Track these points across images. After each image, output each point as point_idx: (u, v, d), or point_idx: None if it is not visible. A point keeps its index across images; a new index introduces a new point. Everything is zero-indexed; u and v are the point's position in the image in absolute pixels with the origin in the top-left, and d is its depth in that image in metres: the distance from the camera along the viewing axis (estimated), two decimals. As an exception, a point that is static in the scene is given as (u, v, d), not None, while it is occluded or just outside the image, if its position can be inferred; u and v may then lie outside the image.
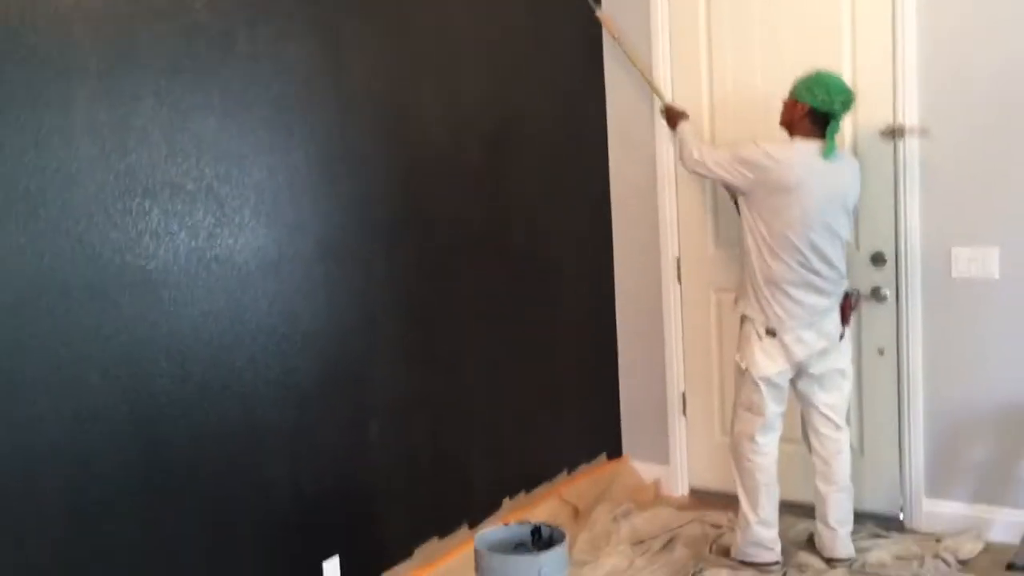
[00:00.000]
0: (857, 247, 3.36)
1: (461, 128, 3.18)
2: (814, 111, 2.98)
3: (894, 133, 3.28)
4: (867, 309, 3.36)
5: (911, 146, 3.26)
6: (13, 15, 1.93)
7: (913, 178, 3.27)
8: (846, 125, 3.33)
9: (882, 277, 3.34)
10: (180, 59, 2.26)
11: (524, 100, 3.49)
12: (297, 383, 2.59)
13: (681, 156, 3.29)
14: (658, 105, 3.61)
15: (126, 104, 2.14)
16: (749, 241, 3.08)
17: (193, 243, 2.30)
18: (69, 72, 2.03)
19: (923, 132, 3.23)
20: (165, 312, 2.24)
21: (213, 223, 2.35)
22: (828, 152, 2.96)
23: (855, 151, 3.34)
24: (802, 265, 2.97)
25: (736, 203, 3.17)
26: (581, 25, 3.81)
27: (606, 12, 3.78)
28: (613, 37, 3.75)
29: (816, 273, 2.99)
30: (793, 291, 2.99)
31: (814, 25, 3.41)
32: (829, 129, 2.97)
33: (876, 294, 3.35)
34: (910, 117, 3.25)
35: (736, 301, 3.22)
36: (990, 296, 3.19)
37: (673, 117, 3.46)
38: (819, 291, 3.01)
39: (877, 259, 3.34)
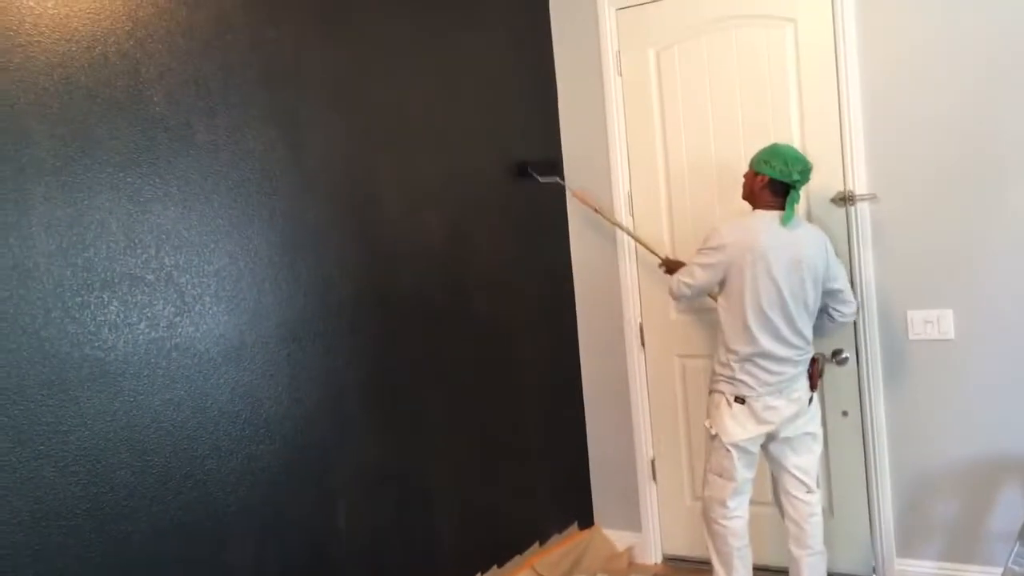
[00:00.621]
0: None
1: (421, 205, 3.22)
2: (773, 181, 3.05)
3: (845, 199, 3.35)
4: (829, 372, 3.41)
5: (862, 211, 3.34)
6: (-31, 116, 1.95)
7: (866, 243, 3.34)
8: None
9: (842, 340, 3.39)
10: (139, 152, 2.28)
11: (483, 174, 3.54)
12: (262, 468, 2.58)
13: (670, 293, 3.32)
14: (656, 263, 3.64)
15: (84, 198, 2.16)
16: (721, 314, 3.12)
17: (153, 333, 2.30)
18: (25, 169, 2.05)
19: (872, 198, 3.31)
20: (125, 403, 2.22)
21: (173, 312, 2.35)
22: (787, 219, 3.02)
23: (809, 217, 3.42)
24: (771, 334, 3.01)
25: (715, 299, 3.22)
26: (540, 98, 3.89)
27: (579, 188, 3.89)
28: (593, 209, 3.81)
29: (784, 342, 3.03)
30: (762, 360, 3.03)
31: (763, 99, 3.51)
32: (789, 198, 3.04)
33: (837, 356, 3.39)
34: (860, 183, 3.33)
35: (710, 377, 3.24)
36: (947, 356, 3.25)
37: (673, 269, 3.45)
38: (787, 360, 3.04)
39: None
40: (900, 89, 3.24)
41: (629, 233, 3.79)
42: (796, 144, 3.40)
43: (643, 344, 3.90)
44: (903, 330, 3.32)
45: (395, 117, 3.13)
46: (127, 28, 2.27)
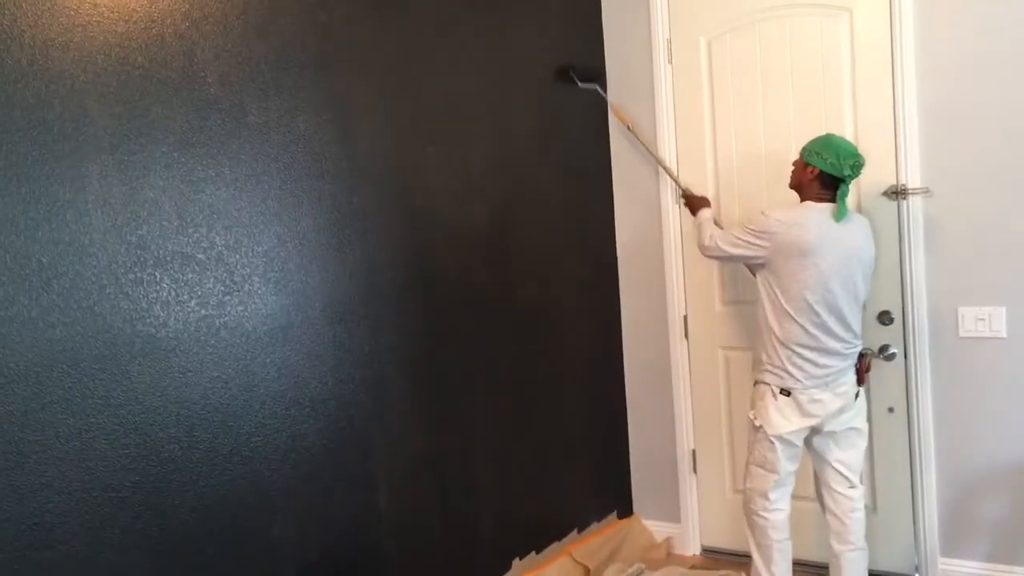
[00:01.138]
0: (864, 306, 3.36)
1: (468, 193, 3.23)
2: (824, 174, 3.01)
3: (897, 193, 3.30)
4: (876, 368, 3.36)
5: (915, 205, 3.28)
6: (30, 93, 1.99)
7: (918, 238, 3.29)
8: (852, 185, 3.37)
9: (890, 336, 3.34)
10: (192, 132, 2.32)
11: (530, 163, 3.54)
12: (306, 448, 2.61)
13: (698, 240, 3.34)
14: (677, 192, 3.63)
15: (138, 177, 2.19)
16: (766, 304, 3.09)
17: (203, 311, 2.33)
18: (83, 147, 2.08)
19: (925, 192, 3.25)
20: (174, 380, 2.26)
21: (223, 291, 2.38)
22: (840, 215, 2.98)
23: (859, 210, 3.37)
24: (819, 327, 2.98)
25: (753, 272, 3.20)
26: (587, 91, 3.87)
27: (616, 102, 3.86)
28: (627, 126, 3.81)
29: (833, 335, 2.99)
30: (809, 353, 3.00)
31: (815, 90, 3.46)
32: (840, 192, 3.00)
33: (884, 352, 3.34)
34: (913, 177, 3.27)
35: (753, 367, 3.22)
36: (998, 354, 3.19)
37: (694, 204, 3.50)
38: (835, 353, 3.01)
39: (884, 318, 3.35)
40: (957, 82, 3.18)
41: (657, 160, 3.78)
42: (848, 135, 3.36)
43: (687, 335, 3.88)
44: (953, 327, 3.26)
45: (445, 103, 3.14)
46: (183, 9, 2.30)
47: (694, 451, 3.91)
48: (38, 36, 2.01)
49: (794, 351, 3.01)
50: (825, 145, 3.02)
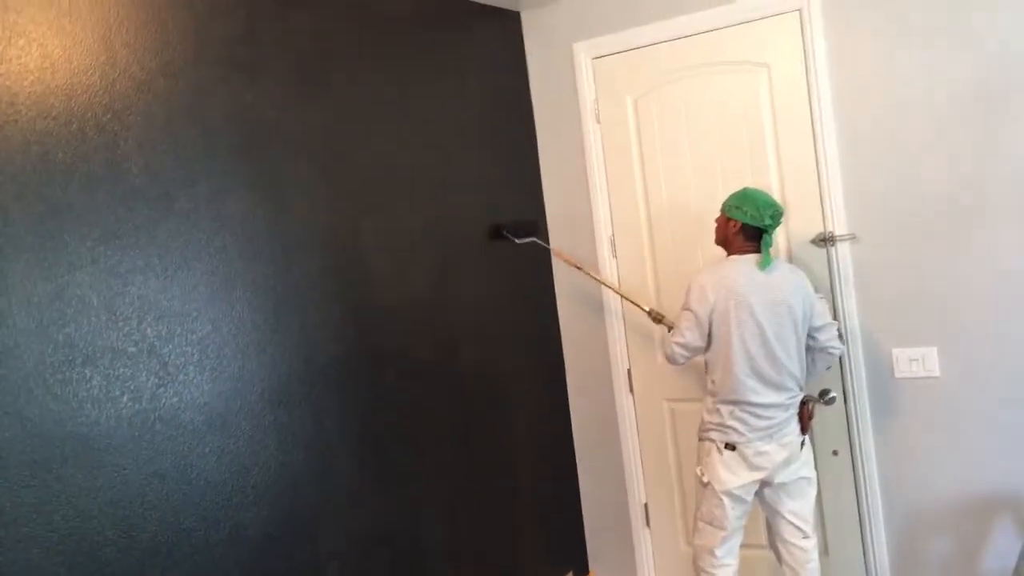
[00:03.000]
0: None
1: (405, 261, 3.22)
2: (746, 226, 3.06)
3: (825, 240, 3.37)
4: (818, 411, 3.39)
5: (843, 252, 3.36)
6: (-53, 199, 1.95)
7: (848, 283, 3.36)
8: (780, 234, 3.44)
9: (829, 380, 3.39)
10: (118, 224, 2.28)
11: (467, 228, 3.55)
12: (250, 537, 2.55)
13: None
14: (648, 316, 3.58)
15: (63, 274, 2.15)
16: (707, 361, 3.12)
17: (136, 406, 2.28)
18: (3, 248, 2.04)
19: (852, 238, 3.33)
20: (109, 480, 2.20)
21: (156, 384, 2.33)
22: (764, 264, 3.03)
23: (790, 258, 3.44)
24: (757, 378, 3.01)
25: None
26: (520, 148, 3.91)
27: (556, 246, 3.92)
28: (576, 267, 3.78)
29: (773, 385, 3.02)
30: (751, 406, 3.02)
31: (740, 142, 3.54)
32: (763, 242, 3.05)
33: (824, 396, 3.38)
34: (839, 224, 3.35)
35: (699, 429, 3.23)
36: (934, 394, 3.26)
37: (660, 318, 3.47)
38: (776, 404, 3.03)
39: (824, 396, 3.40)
40: (876, 130, 3.27)
41: (613, 288, 3.81)
42: (774, 186, 3.44)
43: (631, 389, 3.89)
44: (889, 369, 3.33)
45: (377, 175, 3.14)
46: (104, 102, 2.28)
47: (646, 504, 3.91)
48: (-47, 139, 1.97)
49: (735, 405, 3.03)
50: (743, 198, 3.08)
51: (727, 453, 3.06)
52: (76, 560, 2.11)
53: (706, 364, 3.13)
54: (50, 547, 2.06)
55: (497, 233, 3.68)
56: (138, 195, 2.34)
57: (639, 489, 3.91)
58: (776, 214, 3.06)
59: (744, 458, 3.04)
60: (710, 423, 3.10)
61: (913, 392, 3.29)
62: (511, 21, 3.97)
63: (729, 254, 3.14)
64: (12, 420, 2.02)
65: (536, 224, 3.95)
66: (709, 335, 3.08)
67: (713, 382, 3.09)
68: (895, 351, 3.30)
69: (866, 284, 3.34)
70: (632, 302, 3.67)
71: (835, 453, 3.45)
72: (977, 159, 3.12)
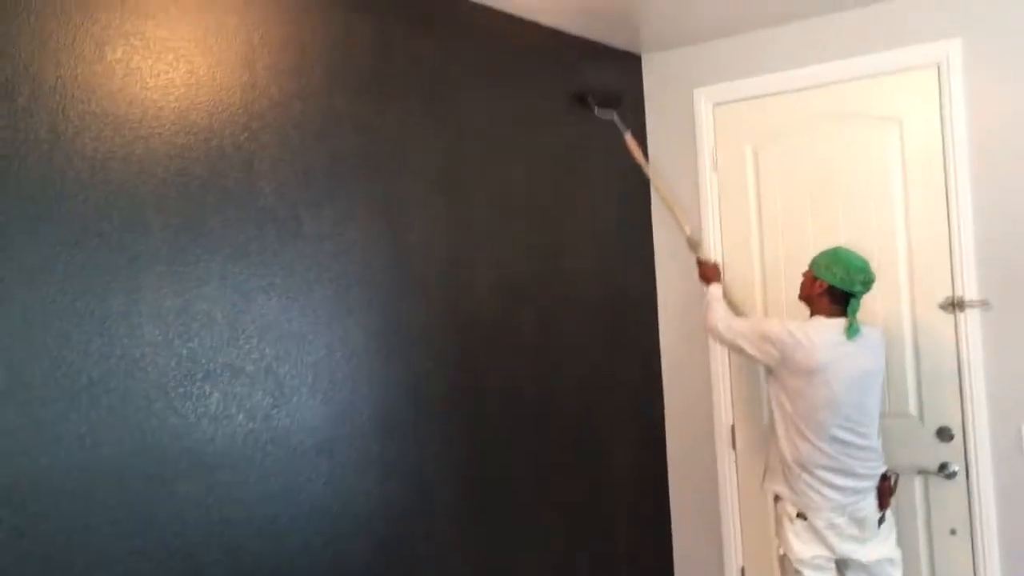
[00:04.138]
0: (922, 421, 3.26)
1: (514, 298, 3.17)
2: (833, 289, 2.93)
3: (954, 305, 3.22)
4: (936, 487, 3.24)
5: (972, 318, 3.19)
6: (91, 205, 1.97)
7: (976, 351, 3.18)
8: (905, 296, 3.30)
9: (949, 453, 3.21)
10: (248, 242, 2.29)
11: (577, 270, 3.49)
12: (351, 566, 2.50)
13: (705, 320, 3.27)
14: (685, 239, 3.56)
15: (192, 288, 2.16)
16: (777, 417, 2.99)
17: (250, 425, 2.27)
18: (138, 259, 2.05)
19: (984, 304, 3.17)
20: (219, 498, 2.18)
21: (271, 404, 2.32)
22: (851, 332, 2.88)
23: (914, 323, 3.29)
24: (833, 448, 2.86)
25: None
26: (632, 191, 3.85)
27: (632, 139, 3.73)
28: (639, 163, 3.69)
29: (849, 456, 2.87)
30: (824, 474, 2.87)
31: (865, 197, 3.41)
32: (850, 308, 2.91)
33: (944, 470, 3.22)
34: (970, 289, 3.19)
35: (764, 477, 3.11)
36: (1067, 475, 3.06)
37: (706, 273, 3.44)
38: (853, 474, 2.88)
39: (943, 434, 3.22)
40: (1015, 191, 3.11)
41: (665, 201, 3.70)
42: (901, 244, 3.31)
43: (734, 445, 3.76)
44: (1017, 443, 3.13)
45: (494, 207, 3.12)
46: (243, 121, 2.30)
47: (743, 569, 3.75)
48: (100, 149, 2.00)
49: (809, 471, 2.89)
50: (835, 259, 2.95)
51: (798, 522, 2.92)
52: (183, 577, 2.09)
53: (776, 420, 3.00)
54: (160, 562, 2.04)
55: (581, 99, 3.53)
56: (268, 215, 2.35)
57: (736, 552, 3.76)
58: (867, 280, 2.92)
59: (815, 530, 2.89)
60: (784, 489, 2.97)
61: (1044, 472, 3.10)
62: (632, 63, 3.93)
63: (812, 314, 3.01)
64: (133, 432, 2.02)
65: (622, 97, 3.76)
66: (776, 379, 2.98)
67: (783, 444, 2.96)
68: (1025, 427, 3.12)
69: (996, 353, 3.16)
70: (679, 222, 3.62)
71: (953, 532, 3.25)
72: None
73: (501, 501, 3.05)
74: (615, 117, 3.65)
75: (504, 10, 3.19)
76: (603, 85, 3.62)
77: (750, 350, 3.05)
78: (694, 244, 3.44)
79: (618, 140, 3.65)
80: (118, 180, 2.02)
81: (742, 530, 3.75)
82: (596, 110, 3.56)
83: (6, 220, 1.84)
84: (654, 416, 3.91)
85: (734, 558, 3.76)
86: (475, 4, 3.07)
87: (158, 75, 2.12)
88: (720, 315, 3.22)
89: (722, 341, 3.22)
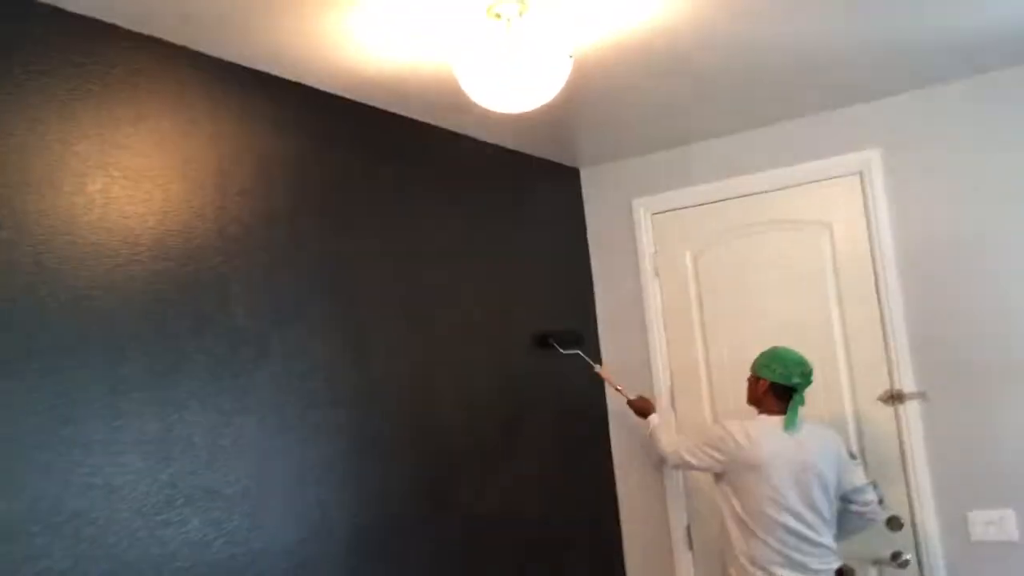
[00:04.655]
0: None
1: (475, 413, 3.22)
2: (776, 385, 3.06)
3: (893, 398, 3.37)
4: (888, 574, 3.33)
5: (912, 410, 3.34)
6: (74, 333, 1.97)
7: (918, 441, 3.33)
8: (845, 391, 3.45)
9: (901, 542, 3.32)
10: (223, 365, 2.30)
11: (532, 377, 3.56)
12: None
13: (658, 451, 3.38)
14: (624, 400, 3.68)
15: (172, 413, 2.15)
16: (728, 517, 3.07)
17: (230, 550, 2.23)
18: (117, 387, 2.05)
19: (922, 396, 3.33)
20: (199, 628, 2.14)
21: (248, 527, 2.30)
22: (788, 425, 3.00)
23: (857, 417, 3.43)
24: (782, 543, 2.93)
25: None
26: (580, 299, 3.97)
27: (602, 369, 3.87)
28: (616, 389, 3.76)
29: (800, 552, 2.93)
30: (777, 570, 2.93)
31: (801, 298, 3.59)
32: (792, 402, 3.04)
33: (897, 559, 3.31)
34: (907, 382, 3.36)
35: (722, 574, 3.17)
36: (1012, 558, 3.17)
37: (641, 407, 3.56)
38: (806, 569, 2.93)
39: (893, 523, 3.33)
40: (942, 285, 3.31)
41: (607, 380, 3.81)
42: (838, 341, 3.48)
43: (691, 545, 3.81)
44: (964, 531, 3.25)
45: (453, 321, 3.18)
46: (216, 244, 2.34)
47: (706, 670, 3.75)
48: (82, 278, 2.01)
49: (762, 568, 2.96)
50: (773, 357, 3.10)
51: None
52: None
53: (729, 521, 3.07)
54: None
55: (543, 342, 3.64)
56: (240, 336, 2.37)
57: (698, 653, 3.77)
58: (805, 372, 3.05)
59: None
60: None
61: (991, 556, 3.20)
62: (571, 176, 4.10)
63: (759, 413, 3.13)
64: (115, 563, 1.98)
65: (582, 336, 3.90)
66: (725, 482, 3.08)
67: (734, 542, 3.03)
68: (971, 514, 3.24)
69: (938, 442, 3.31)
70: (618, 390, 3.71)
71: (910, 621, 3.34)
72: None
73: (471, 615, 3.03)
74: (579, 353, 3.80)
75: (456, 130, 3.33)
76: (563, 329, 3.80)
77: (699, 464, 3.17)
78: (633, 401, 3.59)
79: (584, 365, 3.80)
80: (100, 308, 2.03)
81: (704, 631, 3.77)
82: (560, 350, 3.71)
83: (-10, 352, 1.83)
84: (610, 520, 3.95)
85: (698, 660, 3.77)
86: (431, 126, 3.20)
87: (136, 203, 2.16)
88: (665, 442, 3.33)
89: (675, 466, 3.37)
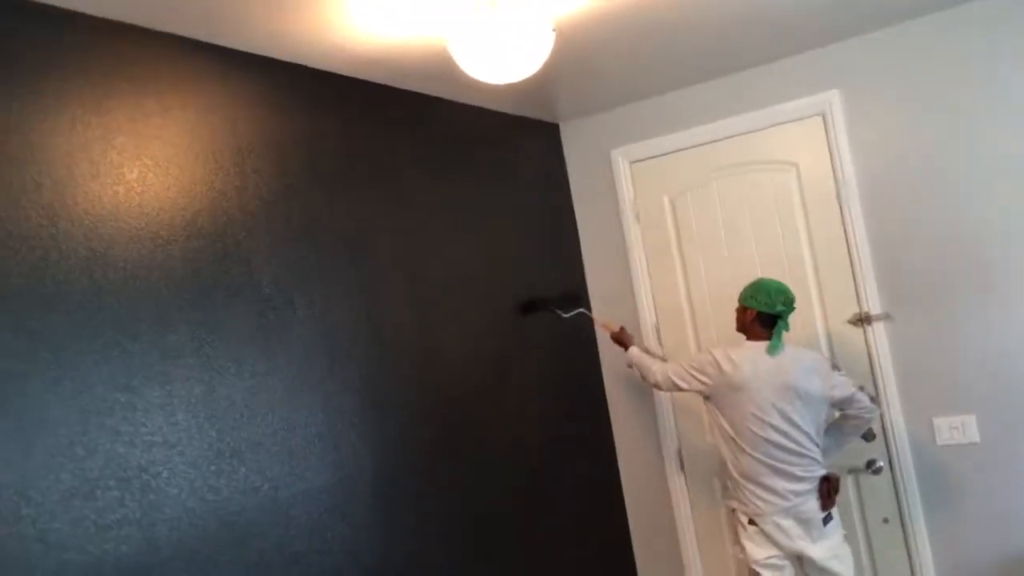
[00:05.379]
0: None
1: (476, 356, 3.49)
2: (761, 314, 3.32)
3: (862, 320, 3.66)
4: (866, 482, 3.65)
5: (879, 329, 3.64)
6: (122, 309, 2.20)
7: (886, 358, 3.63)
8: (818, 317, 3.73)
9: (874, 451, 3.63)
10: (254, 330, 2.54)
11: (525, 327, 3.82)
12: (366, 617, 2.74)
13: (644, 379, 3.63)
14: (606, 333, 3.96)
15: (214, 376, 2.39)
16: (719, 437, 3.36)
17: (275, 494, 2.50)
18: (169, 354, 2.28)
19: (887, 317, 3.62)
20: (253, 566, 2.40)
21: (287, 472, 2.56)
22: (772, 349, 3.27)
23: (829, 339, 3.72)
24: (768, 456, 3.21)
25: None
26: (566, 246, 4.22)
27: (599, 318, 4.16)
28: (610, 329, 3.98)
29: (783, 462, 3.20)
30: (765, 480, 3.22)
31: (774, 234, 3.86)
32: (776, 328, 3.31)
33: (872, 467, 3.63)
34: (874, 304, 3.64)
35: (723, 494, 3.46)
36: (975, 459, 3.49)
37: (622, 339, 3.80)
38: (791, 477, 3.21)
39: (867, 434, 3.60)
40: (902, 212, 3.58)
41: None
42: (809, 273, 3.75)
43: (683, 469, 4.12)
44: (931, 437, 3.57)
45: (448, 277, 3.42)
46: (240, 220, 2.57)
47: (703, 581, 4.09)
48: (129, 258, 2.24)
49: (752, 480, 3.25)
50: (757, 288, 3.36)
51: (751, 528, 3.27)
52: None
53: (720, 440, 3.37)
54: (215, 627, 2.25)
55: (544, 306, 3.91)
56: (268, 304, 2.60)
57: (697, 569, 4.10)
58: (788, 300, 3.31)
59: (765, 533, 3.24)
60: (734, 498, 3.34)
61: (956, 459, 3.52)
62: (552, 131, 4.32)
63: (748, 339, 3.38)
64: (177, 509, 2.23)
65: (581, 296, 4.20)
66: (713, 403, 3.35)
67: (727, 458, 3.32)
68: (936, 420, 3.55)
69: (904, 358, 3.61)
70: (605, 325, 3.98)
71: (886, 521, 3.66)
72: (1007, 228, 3.40)
73: (486, 534, 3.33)
74: (584, 311, 4.11)
75: (446, 98, 3.54)
76: (560, 293, 4.07)
77: (688, 387, 3.43)
78: (619, 335, 3.86)
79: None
80: (145, 287, 2.26)
81: (699, 545, 4.09)
82: (564, 315, 3.98)
83: (58, 331, 2.06)
84: (607, 449, 4.25)
85: (696, 572, 4.10)
86: (421, 95, 3.41)
87: (168, 188, 2.37)
88: (655, 370, 3.56)
89: (667, 390, 3.57)
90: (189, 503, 2.26)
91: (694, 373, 3.38)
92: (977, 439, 3.48)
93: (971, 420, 3.49)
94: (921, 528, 3.60)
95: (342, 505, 2.72)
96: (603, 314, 4.16)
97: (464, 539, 3.23)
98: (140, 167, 2.31)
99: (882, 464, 3.63)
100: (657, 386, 3.58)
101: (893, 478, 3.64)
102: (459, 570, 3.17)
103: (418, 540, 3.00)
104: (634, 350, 3.74)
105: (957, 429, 3.52)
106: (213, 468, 2.35)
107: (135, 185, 2.28)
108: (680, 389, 3.49)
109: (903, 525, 3.63)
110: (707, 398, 3.40)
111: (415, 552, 2.98)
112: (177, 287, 2.35)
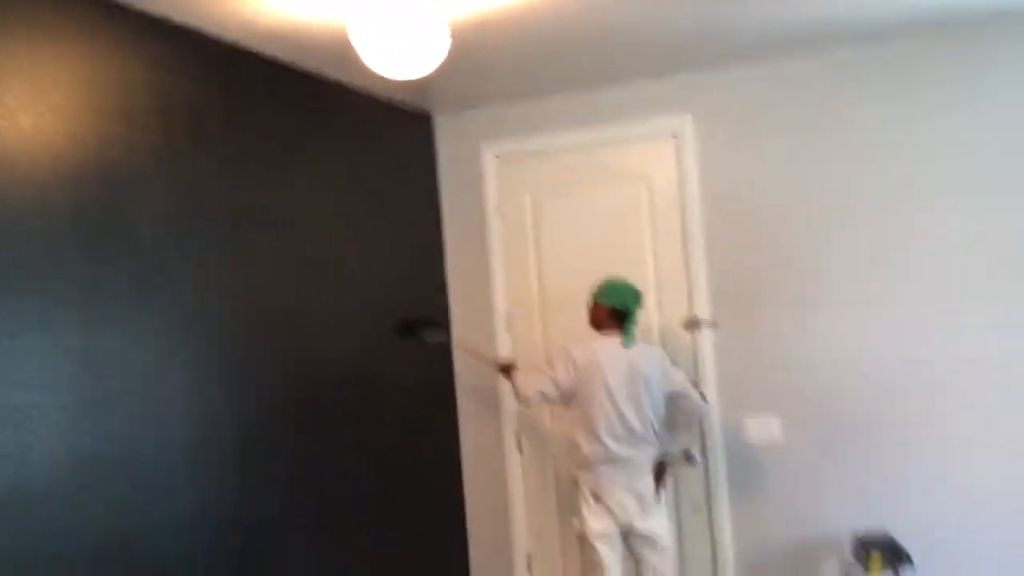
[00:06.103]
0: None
1: (343, 331, 3.66)
2: (613, 310, 3.65)
3: (691, 323, 4.03)
4: (682, 471, 4.02)
5: (706, 334, 4.03)
6: (7, 252, 2.25)
7: (709, 359, 4.03)
8: (653, 319, 4.08)
9: (693, 442, 4.00)
10: (136, 285, 2.63)
11: (382, 305, 4.00)
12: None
13: (518, 399, 3.85)
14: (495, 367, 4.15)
15: (96, 327, 2.49)
16: (577, 428, 3.63)
17: (143, 436, 2.64)
18: (51, 301, 2.35)
19: (713, 324, 4.01)
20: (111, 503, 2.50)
21: (155, 420, 2.69)
22: (626, 342, 3.62)
23: (662, 340, 4.07)
24: (613, 436, 3.53)
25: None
26: (429, 230, 4.41)
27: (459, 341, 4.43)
28: (483, 359, 4.25)
29: (629, 444, 3.55)
30: (613, 459, 3.53)
31: (622, 240, 4.19)
32: (627, 323, 3.64)
33: (689, 457, 4.00)
34: (703, 310, 4.03)
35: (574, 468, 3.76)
36: (777, 456, 3.94)
37: (505, 368, 3.98)
38: (634, 459, 3.55)
39: (689, 458, 3.90)
40: (736, 234, 4.00)
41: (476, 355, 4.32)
42: (650, 278, 4.09)
43: (519, 447, 4.39)
44: (741, 434, 3.99)
45: (320, 263, 3.58)
46: (127, 177, 2.65)
47: (529, 555, 4.37)
48: (17, 203, 2.28)
49: (600, 460, 3.55)
50: (610, 287, 3.69)
51: (593, 503, 3.57)
52: None
53: (572, 422, 3.66)
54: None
55: (409, 329, 4.07)
56: (149, 260, 2.72)
57: (523, 541, 4.39)
58: (636, 297, 3.66)
59: (607, 508, 3.55)
60: (579, 474, 3.63)
61: (761, 455, 3.96)
62: (424, 121, 4.50)
63: (601, 334, 3.69)
64: (52, 449, 2.31)
65: (443, 323, 4.42)
66: (571, 395, 3.62)
67: (577, 438, 3.61)
68: (746, 419, 3.98)
69: (724, 360, 4.02)
70: (486, 360, 4.21)
71: (696, 510, 4.05)
72: (824, 249, 3.87)
73: (333, 500, 3.51)
74: (445, 340, 4.33)
75: (330, 77, 3.67)
76: (423, 317, 4.22)
77: (555, 391, 3.65)
78: (501, 366, 4.04)
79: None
80: (30, 231, 2.34)
81: (528, 522, 4.39)
82: (427, 338, 4.15)
83: None
84: (450, 433, 4.50)
85: (523, 544, 4.39)
86: (307, 73, 3.52)
87: (60, 136, 2.45)
88: (524, 385, 3.75)
89: (536, 399, 3.74)
90: (57, 444, 2.34)
91: (556, 367, 3.62)
92: (780, 439, 3.92)
93: (775, 421, 3.93)
94: (725, 516, 4.01)
95: (203, 453, 2.85)
96: (463, 324, 4.44)
97: (316, 502, 3.39)
98: (35, 116, 2.35)
99: (697, 456, 3.99)
100: (526, 402, 3.79)
101: (707, 470, 4.03)
102: (305, 529, 3.32)
103: (272, 500, 3.15)
104: (517, 375, 3.84)
105: (763, 429, 3.94)
106: (85, 413, 2.43)
107: (28, 131, 2.33)
108: (548, 397, 3.68)
109: (710, 514, 4.03)
110: (571, 396, 3.63)
111: (268, 510, 3.12)
112: (62, 236, 2.41)
